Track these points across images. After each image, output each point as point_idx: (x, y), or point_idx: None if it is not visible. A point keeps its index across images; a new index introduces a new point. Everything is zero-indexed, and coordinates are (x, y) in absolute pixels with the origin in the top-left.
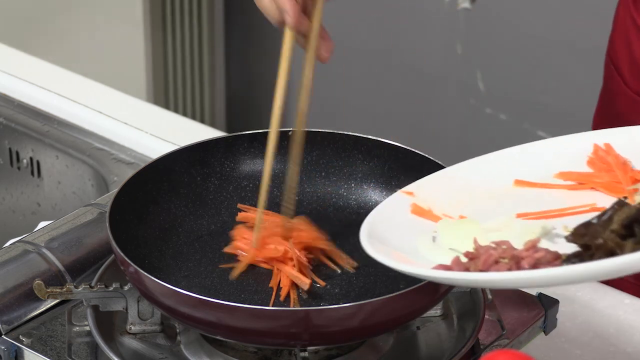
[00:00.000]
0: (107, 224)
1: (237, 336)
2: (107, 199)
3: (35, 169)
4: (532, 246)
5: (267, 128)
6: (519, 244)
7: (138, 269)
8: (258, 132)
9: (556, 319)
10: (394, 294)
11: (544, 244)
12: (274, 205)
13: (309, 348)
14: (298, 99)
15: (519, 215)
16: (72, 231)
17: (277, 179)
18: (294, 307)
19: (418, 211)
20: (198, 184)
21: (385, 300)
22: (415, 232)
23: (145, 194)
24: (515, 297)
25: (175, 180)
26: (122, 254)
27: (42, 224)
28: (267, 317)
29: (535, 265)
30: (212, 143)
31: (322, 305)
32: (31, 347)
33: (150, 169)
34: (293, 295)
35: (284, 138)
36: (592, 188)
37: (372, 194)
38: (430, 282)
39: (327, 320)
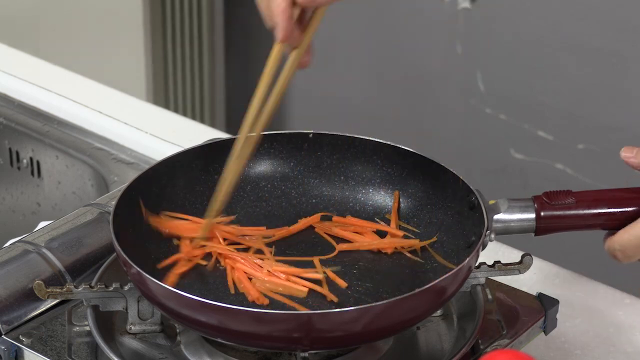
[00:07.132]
0: (111, 219)
1: (239, 339)
2: (107, 198)
3: (35, 169)
4: None
5: (272, 130)
6: None
7: (140, 270)
8: (279, 133)
9: (556, 319)
10: (398, 297)
11: None
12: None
13: None
14: (268, 99)
15: None
16: (72, 231)
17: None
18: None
19: None
20: (215, 181)
21: (389, 304)
22: None
23: (157, 192)
24: (515, 297)
25: (191, 177)
26: (124, 254)
27: (42, 224)
28: (270, 320)
29: None
30: (232, 142)
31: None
32: (31, 347)
33: (164, 165)
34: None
35: (305, 140)
36: None
37: (389, 200)
38: (435, 286)
39: (331, 324)
